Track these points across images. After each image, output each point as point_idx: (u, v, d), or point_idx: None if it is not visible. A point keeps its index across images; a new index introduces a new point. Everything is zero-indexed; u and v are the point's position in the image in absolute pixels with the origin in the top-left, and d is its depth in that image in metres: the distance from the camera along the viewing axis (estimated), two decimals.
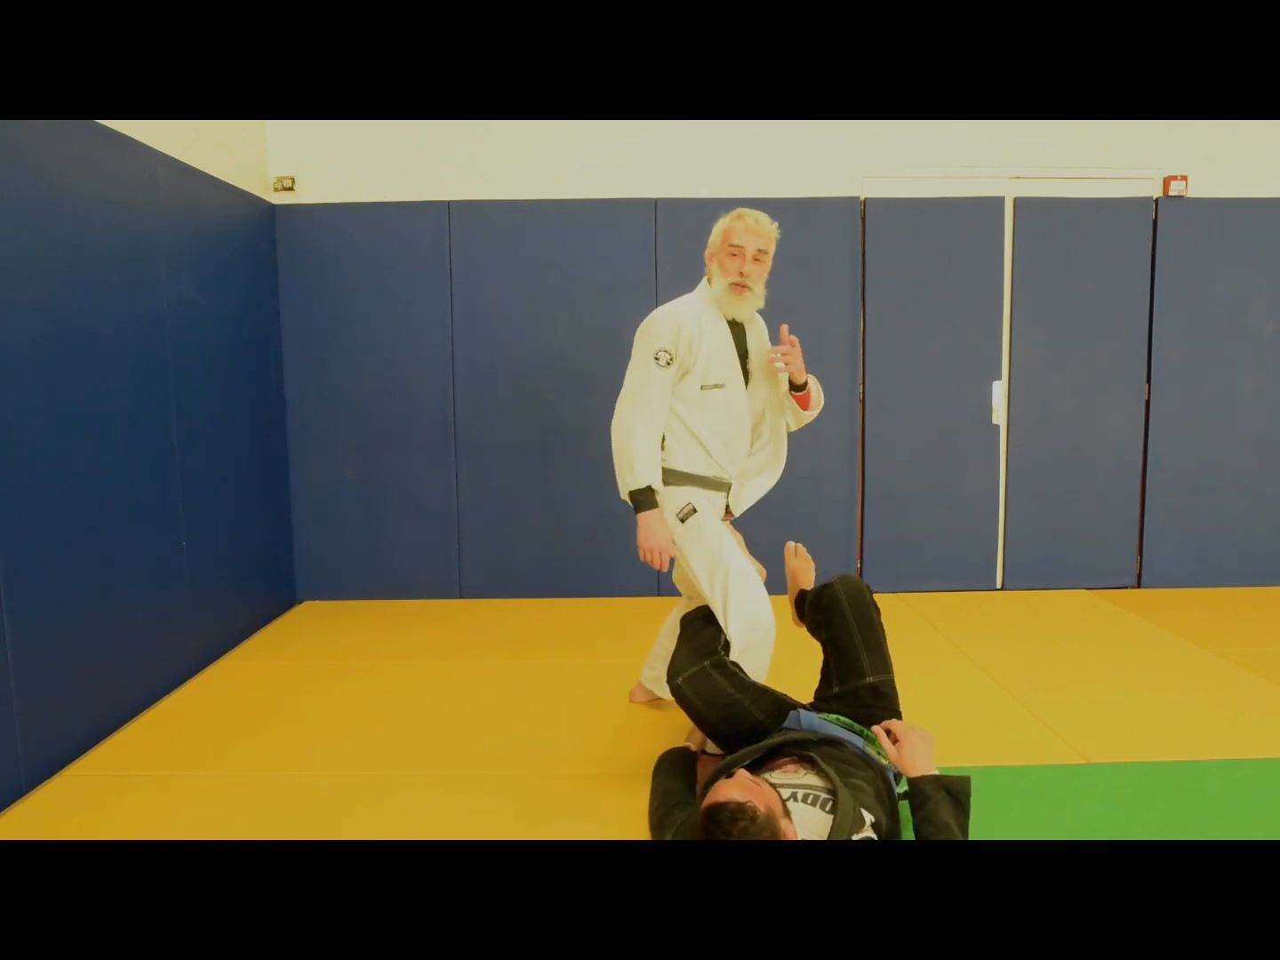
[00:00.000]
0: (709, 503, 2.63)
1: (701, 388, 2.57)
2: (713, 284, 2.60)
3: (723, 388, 2.58)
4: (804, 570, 2.67)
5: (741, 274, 2.52)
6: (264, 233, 4.31)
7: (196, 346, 3.56)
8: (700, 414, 2.59)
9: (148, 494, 3.22)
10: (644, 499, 2.52)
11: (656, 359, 2.51)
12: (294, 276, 4.43)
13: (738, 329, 2.64)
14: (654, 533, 2.52)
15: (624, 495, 2.57)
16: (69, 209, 2.83)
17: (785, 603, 2.71)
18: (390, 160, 4.45)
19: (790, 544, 2.72)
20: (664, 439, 2.61)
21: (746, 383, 2.65)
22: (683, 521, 2.58)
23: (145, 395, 3.21)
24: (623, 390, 2.58)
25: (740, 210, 2.56)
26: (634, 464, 2.50)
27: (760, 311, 2.76)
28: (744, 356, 2.64)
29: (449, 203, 4.41)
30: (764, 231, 2.53)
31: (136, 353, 3.16)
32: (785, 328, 2.56)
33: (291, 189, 4.44)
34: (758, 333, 2.70)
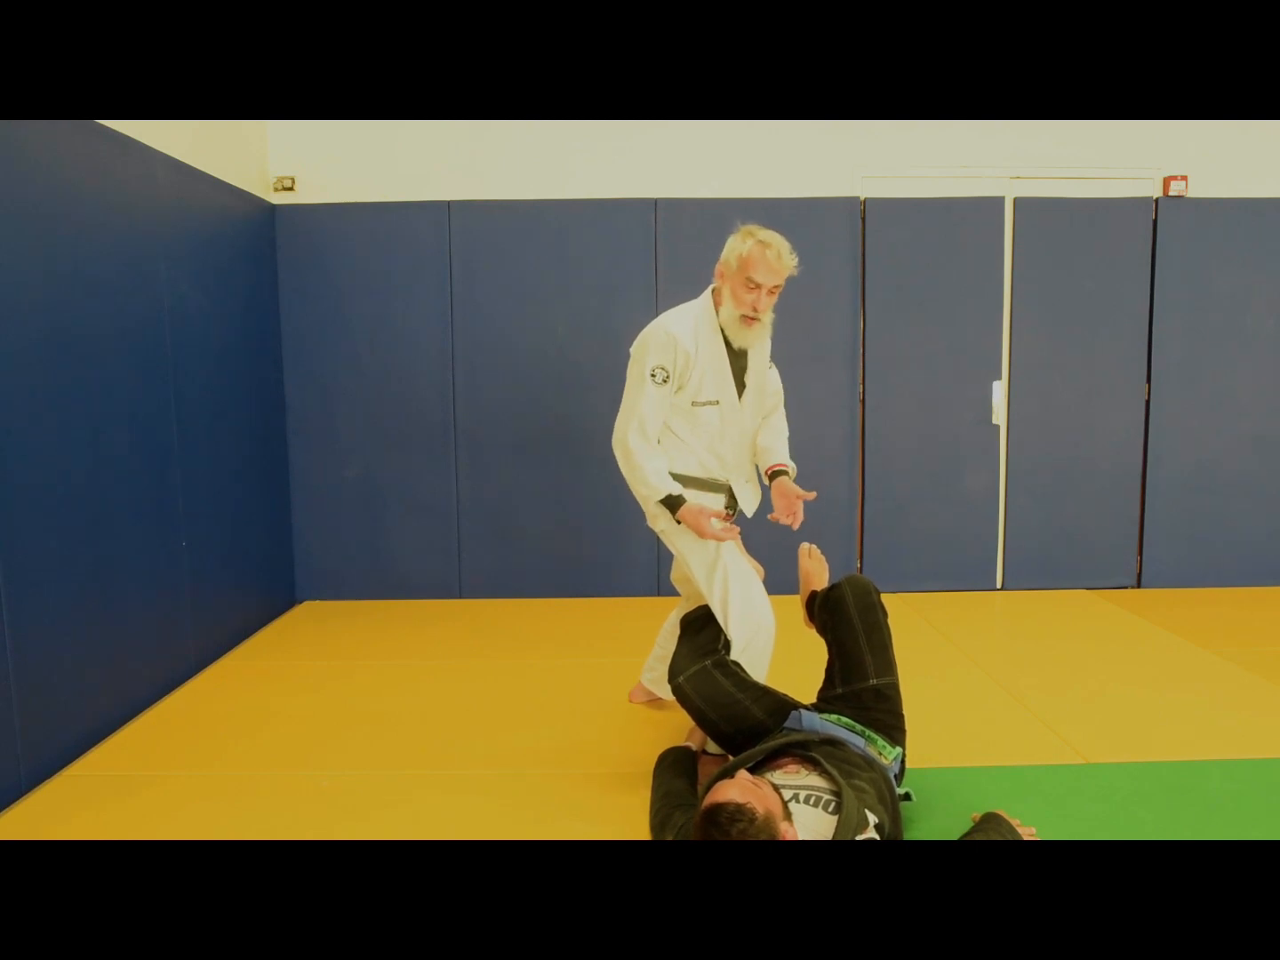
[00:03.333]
0: (705, 503, 2.62)
1: (694, 404, 2.56)
2: (721, 306, 2.53)
3: (717, 404, 2.58)
4: (817, 571, 2.65)
5: (755, 309, 2.47)
6: (264, 233, 4.31)
7: (196, 346, 3.56)
8: (692, 426, 2.59)
9: (148, 494, 3.22)
10: (670, 504, 2.52)
11: (653, 376, 2.50)
12: (294, 276, 4.43)
13: None
14: (698, 521, 2.48)
15: (649, 509, 2.61)
16: (69, 209, 2.83)
17: (794, 603, 2.70)
18: (390, 160, 4.45)
19: (804, 545, 2.71)
20: (658, 442, 2.61)
21: (742, 393, 2.62)
22: (678, 522, 2.58)
23: (145, 395, 3.21)
24: (621, 406, 2.58)
25: (765, 239, 2.44)
26: (647, 479, 2.52)
27: None
28: (743, 369, 2.62)
29: (449, 203, 4.41)
30: (784, 269, 2.45)
31: (136, 353, 3.16)
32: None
33: (291, 189, 4.44)
34: (760, 347, 2.66)
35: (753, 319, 2.49)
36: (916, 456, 4.62)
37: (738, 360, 2.60)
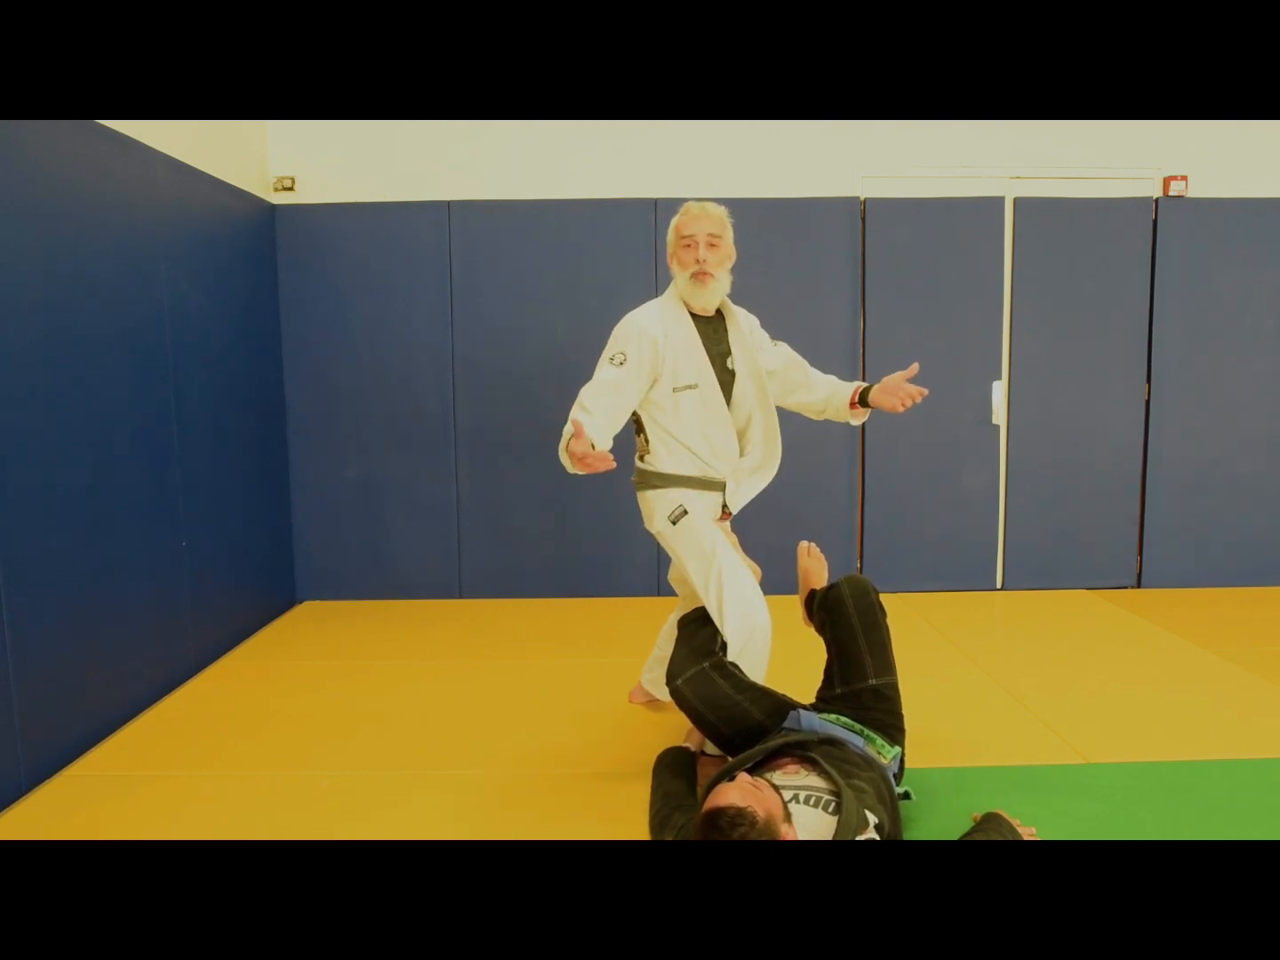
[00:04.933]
0: (701, 503, 2.61)
1: (674, 390, 2.55)
2: (675, 282, 2.60)
3: (695, 388, 2.55)
4: (816, 570, 2.64)
5: (699, 261, 2.51)
6: (264, 233, 4.31)
7: (196, 346, 3.56)
8: (677, 417, 2.57)
9: (148, 494, 3.22)
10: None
11: (611, 360, 2.52)
12: (294, 276, 4.43)
13: (718, 327, 2.62)
14: (575, 449, 2.25)
15: (568, 457, 2.35)
16: (69, 209, 2.83)
17: (793, 603, 2.70)
18: (390, 160, 4.45)
19: (803, 543, 2.70)
20: (649, 443, 2.61)
21: (732, 381, 2.61)
22: (674, 524, 2.57)
23: (145, 395, 3.21)
24: None
25: (686, 205, 2.58)
26: (564, 430, 2.36)
27: (760, 311, 2.74)
28: (725, 354, 2.61)
29: (449, 203, 4.41)
30: (711, 215, 2.54)
31: (136, 353, 3.16)
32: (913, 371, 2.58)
33: (291, 189, 4.44)
34: (740, 330, 2.64)
35: (702, 274, 2.52)
36: (916, 456, 4.62)
37: (715, 345, 2.59)
